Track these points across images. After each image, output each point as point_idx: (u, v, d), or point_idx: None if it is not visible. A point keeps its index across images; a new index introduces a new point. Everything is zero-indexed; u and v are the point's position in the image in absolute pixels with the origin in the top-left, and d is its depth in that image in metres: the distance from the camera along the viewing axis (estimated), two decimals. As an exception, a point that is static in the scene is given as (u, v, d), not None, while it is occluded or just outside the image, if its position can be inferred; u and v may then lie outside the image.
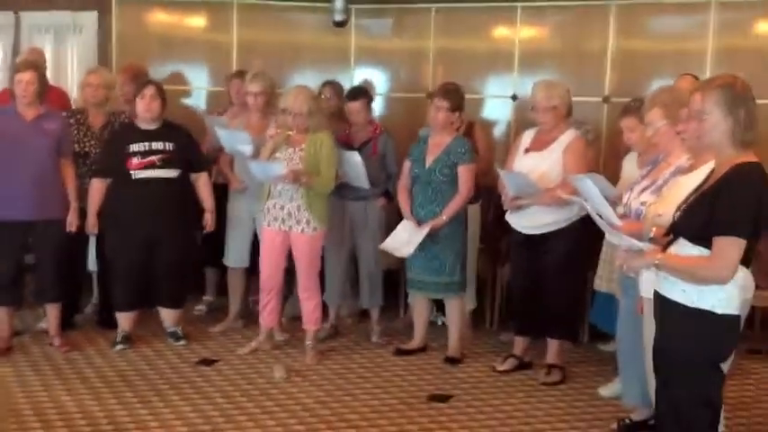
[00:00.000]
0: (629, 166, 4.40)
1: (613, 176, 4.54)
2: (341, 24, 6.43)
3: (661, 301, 3.00)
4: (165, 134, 5.12)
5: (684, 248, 2.89)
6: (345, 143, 5.34)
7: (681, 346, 2.91)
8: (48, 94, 5.12)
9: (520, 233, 4.81)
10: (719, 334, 2.89)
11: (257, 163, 4.97)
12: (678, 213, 2.97)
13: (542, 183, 4.64)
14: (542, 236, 4.71)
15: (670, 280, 2.92)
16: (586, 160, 4.77)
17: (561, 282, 4.74)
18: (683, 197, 3.22)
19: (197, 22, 6.99)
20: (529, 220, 4.73)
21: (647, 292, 3.50)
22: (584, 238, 4.75)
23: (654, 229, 3.19)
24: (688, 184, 3.28)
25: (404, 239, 4.94)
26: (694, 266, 2.83)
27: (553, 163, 4.67)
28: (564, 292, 4.77)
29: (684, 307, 2.88)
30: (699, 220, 2.84)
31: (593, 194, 3.57)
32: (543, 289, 4.78)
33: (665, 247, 2.97)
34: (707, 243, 2.80)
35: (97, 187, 5.13)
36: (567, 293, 4.80)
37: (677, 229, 2.95)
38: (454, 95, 4.99)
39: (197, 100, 6.92)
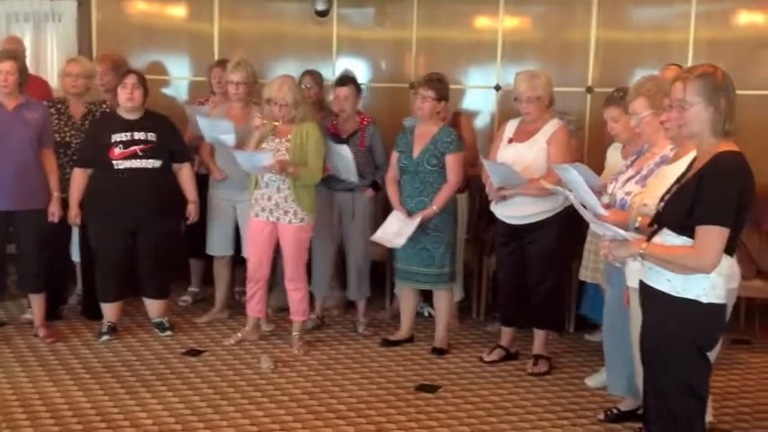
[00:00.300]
0: (614, 155, 4.43)
1: (597, 166, 4.55)
2: (323, 14, 6.41)
3: (646, 291, 3.02)
4: (148, 124, 5.08)
5: (668, 238, 2.91)
6: (332, 134, 5.33)
7: (667, 335, 2.93)
8: (28, 83, 5.07)
9: (504, 223, 4.83)
10: (705, 323, 2.91)
11: (243, 153, 4.94)
12: (661, 203, 2.99)
13: (526, 173, 4.65)
14: (527, 226, 4.73)
15: (655, 270, 2.94)
16: (570, 150, 4.79)
17: (546, 272, 4.76)
18: (668, 187, 3.25)
19: (178, 11, 6.95)
20: (513, 211, 4.74)
21: (633, 282, 3.53)
22: (568, 228, 4.77)
23: (639, 218, 3.21)
24: (672, 174, 3.30)
25: (395, 230, 4.94)
26: (678, 256, 2.86)
27: (537, 153, 4.68)
28: (549, 283, 4.79)
29: (670, 296, 2.90)
30: (682, 210, 2.86)
31: (577, 184, 3.57)
32: (528, 279, 4.80)
33: (649, 237, 2.99)
34: (690, 232, 2.83)
35: (79, 177, 5.08)
36: (552, 284, 4.82)
37: (661, 219, 2.97)
38: (439, 85, 4.99)
39: (178, 90, 6.88)
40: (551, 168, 4.51)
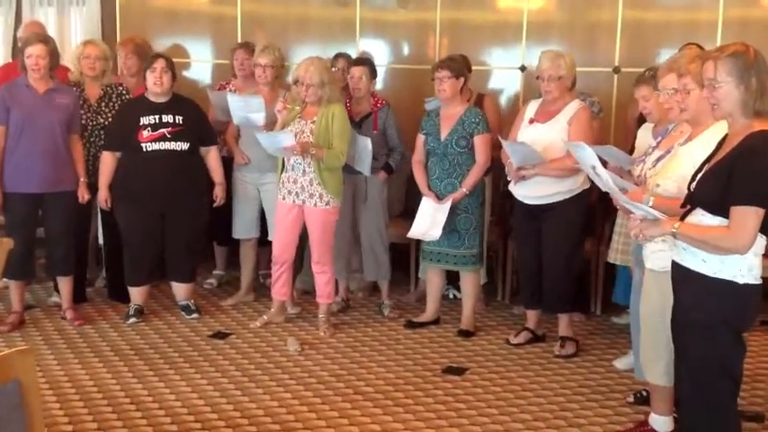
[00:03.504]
0: (645, 136, 4.37)
1: (624, 147, 4.51)
2: (346, -4, 6.38)
3: (680, 271, 2.98)
4: (175, 107, 5.09)
5: (703, 219, 2.87)
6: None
7: (702, 316, 2.90)
8: (57, 68, 5.08)
9: (523, 204, 4.80)
10: (741, 304, 2.89)
11: (266, 134, 4.93)
12: (694, 184, 2.95)
13: (547, 154, 4.61)
14: (545, 206, 4.69)
15: (690, 250, 2.91)
16: (592, 131, 4.74)
17: (565, 253, 4.73)
18: (685, 166, 3.21)
19: (202, -7, 6.93)
20: (532, 191, 4.71)
21: (651, 263, 3.50)
22: (587, 209, 4.75)
23: (652, 198, 3.17)
24: (688, 154, 3.27)
25: (427, 221, 4.92)
26: (713, 236, 2.82)
27: (558, 134, 4.63)
28: (568, 264, 4.75)
29: (705, 277, 2.87)
30: (716, 191, 2.82)
31: (592, 161, 3.47)
32: (544, 260, 4.77)
33: (682, 218, 2.96)
34: (725, 213, 2.79)
35: (108, 161, 5.11)
36: (571, 265, 4.78)
37: (694, 200, 2.94)
38: (452, 62, 4.96)
39: (202, 73, 6.87)
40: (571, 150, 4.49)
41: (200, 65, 6.86)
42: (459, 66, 5.00)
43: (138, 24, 6.63)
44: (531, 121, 4.76)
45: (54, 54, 4.96)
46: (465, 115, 4.95)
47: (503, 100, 6.40)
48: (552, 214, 4.68)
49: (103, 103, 5.33)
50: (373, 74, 5.42)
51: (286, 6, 6.69)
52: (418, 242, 5.40)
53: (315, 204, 4.92)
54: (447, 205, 4.89)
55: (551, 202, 4.67)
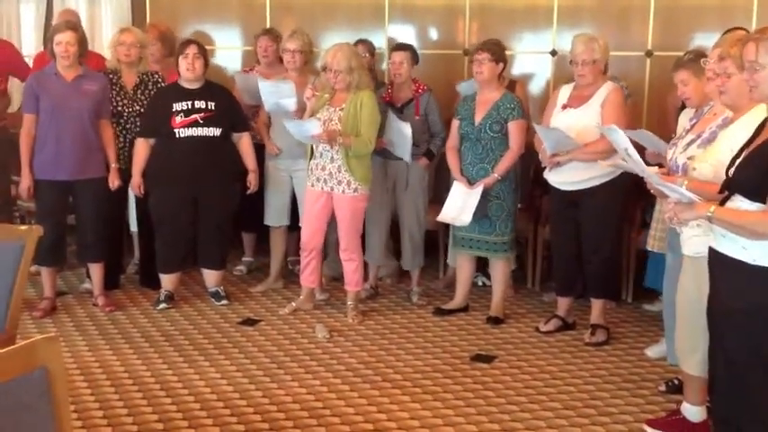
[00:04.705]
0: (685, 121, 4.29)
1: (657, 131, 4.44)
2: (375, -19, 6.33)
3: (718, 259, 2.92)
4: (207, 93, 5.10)
5: (742, 204, 2.81)
6: (387, 102, 5.28)
7: (741, 304, 2.84)
8: (87, 55, 5.10)
9: (558, 190, 4.75)
10: None
11: (293, 122, 4.93)
12: (732, 169, 2.89)
13: (581, 139, 4.56)
14: (580, 192, 4.64)
15: (729, 237, 2.85)
16: (625, 113, 4.68)
17: (600, 239, 4.68)
18: (723, 151, 3.14)
19: (230, -20, 6.92)
20: (567, 177, 4.65)
21: (688, 249, 3.44)
22: (623, 194, 4.68)
23: (685, 182, 3.11)
24: (727, 138, 3.21)
25: (458, 205, 4.89)
26: (750, 221, 2.76)
27: (591, 118, 4.57)
28: (604, 250, 4.71)
29: (745, 264, 2.81)
30: (756, 176, 2.76)
31: (625, 144, 3.40)
32: (583, 247, 4.73)
33: (720, 204, 2.90)
34: (764, 199, 2.73)
35: (141, 147, 5.13)
36: (608, 251, 4.73)
37: (732, 185, 2.87)
38: (494, 47, 4.91)
39: (230, 60, 6.87)
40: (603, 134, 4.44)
41: (230, 51, 6.86)
42: (501, 50, 4.95)
43: (168, 11, 6.66)
44: (564, 107, 4.70)
45: (83, 42, 4.97)
46: (501, 101, 4.91)
47: (534, 85, 6.34)
48: (589, 200, 4.62)
49: (139, 91, 5.35)
50: (415, 59, 5.39)
51: (314, -8, 6.67)
52: (447, 228, 5.38)
53: (343, 191, 4.90)
54: (479, 190, 4.85)
55: (588, 187, 4.61)
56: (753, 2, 5.70)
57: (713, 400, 3.10)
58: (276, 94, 5.19)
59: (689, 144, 3.67)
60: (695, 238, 3.34)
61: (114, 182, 5.08)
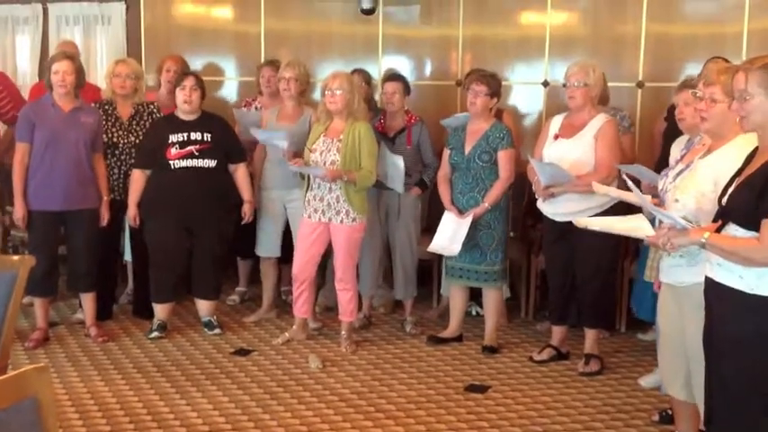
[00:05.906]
0: (677, 151, 4.32)
1: (647, 162, 4.46)
2: (369, 12, 6.37)
3: (714, 288, 2.92)
4: (204, 125, 5.14)
5: (737, 233, 2.82)
6: (379, 132, 5.31)
7: (739, 332, 2.84)
8: (84, 87, 5.12)
9: (552, 221, 4.76)
10: None
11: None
12: (725, 198, 2.91)
13: (574, 170, 4.56)
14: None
15: (726, 266, 2.85)
16: (618, 145, 4.69)
17: (595, 269, 4.68)
18: (703, 182, 3.15)
19: (225, 12, 6.97)
20: (561, 208, 4.65)
21: (666, 277, 3.43)
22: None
23: (707, 234, 3.11)
24: (706, 167, 3.22)
25: (449, 235, 4.90)
26: (743, 247, 2.76)
27: (584, 149, 4.59)
28: (598, 280, 4.71)
29: (742, 293, 2.81)
30: (748, 204, 2.77)
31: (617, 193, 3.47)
32: (577, 276, 4.73)
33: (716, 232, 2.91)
34: (758, 227, 2.74)
35: (137, 178, 5.15)
36: (601, 281, 4.73)
37: (726, 214, 2.88)
38: (492, 81, 4.95)
39: (226, 90, 6.90)
40: (599, 165, 4.46)
41: (227, 82, 6.89)
42: (498, 86, 5.00)
43: (162, 43, 6.70)
44: (556, 137, 4.71)
45: (80, 72, 5.00)
46: (490, 130, 4.95)
47: (526, 116, 6.38)
48: (583, 230, 4.61)
49: (135, 122, 5.37)
50: (407, 90, 5.43)
51: (309, 23, 6.72)
52: (441, 258, 5.38)
53: (341, 221, 4.91)
54: (468, 220, 4.87)
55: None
56: (743, 32, 5.76)
57: (710, 430, 3.09)
58: (270, 138, 5.24)
59: (678, 174, 3.69)
60: (678, 268, 3.33)
61: (105, 216, 5.07)
